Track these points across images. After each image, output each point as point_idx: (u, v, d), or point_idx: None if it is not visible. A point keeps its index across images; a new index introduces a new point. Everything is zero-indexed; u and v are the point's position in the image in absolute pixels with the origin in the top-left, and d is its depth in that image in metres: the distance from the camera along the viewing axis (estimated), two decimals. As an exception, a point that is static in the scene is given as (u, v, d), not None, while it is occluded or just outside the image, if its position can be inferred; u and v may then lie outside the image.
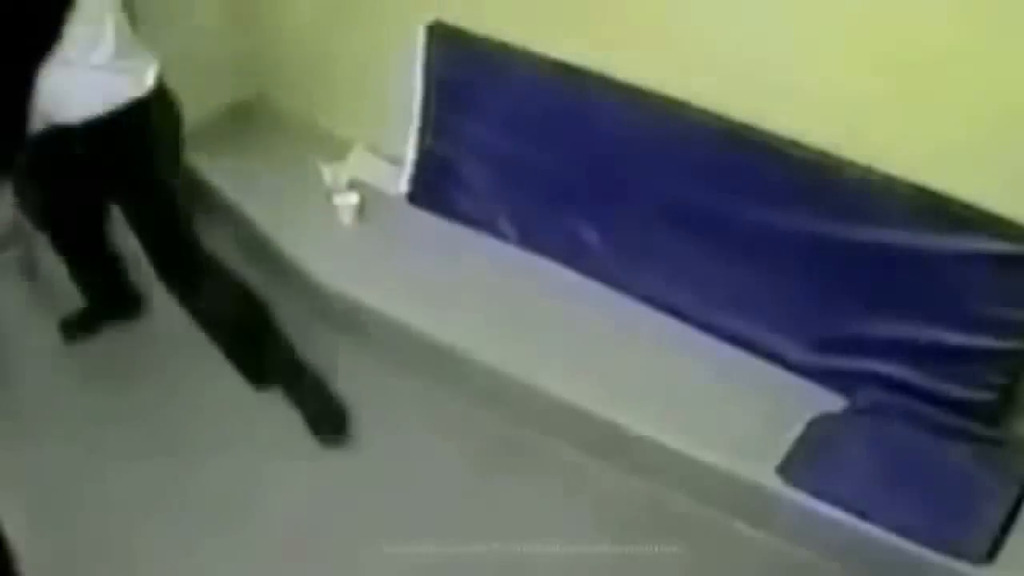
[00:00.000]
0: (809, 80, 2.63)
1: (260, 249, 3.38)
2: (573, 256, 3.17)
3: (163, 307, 2.98)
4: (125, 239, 2.87)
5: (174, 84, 3.54)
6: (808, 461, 2.64)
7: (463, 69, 3.19)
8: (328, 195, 3.40)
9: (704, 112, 2.80)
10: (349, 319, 3.18)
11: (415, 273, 3.18)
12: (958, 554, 2.46)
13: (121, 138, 2.49)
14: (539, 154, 3.15)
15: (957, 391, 2.68)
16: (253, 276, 3.29)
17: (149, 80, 2.52)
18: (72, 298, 3.17)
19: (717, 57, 2.73)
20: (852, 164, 2.64)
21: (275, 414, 2.97)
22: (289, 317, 3.19)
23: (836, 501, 2.57)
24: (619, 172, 3.03)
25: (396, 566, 2.57)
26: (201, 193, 3.56)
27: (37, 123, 2.26)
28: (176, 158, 2.69)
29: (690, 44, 2.76)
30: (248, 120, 3.76)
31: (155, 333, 3.23)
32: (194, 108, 3.59)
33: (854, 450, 2.66)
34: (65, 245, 2.97)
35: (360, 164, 3.51)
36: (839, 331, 2.80)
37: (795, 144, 2.70)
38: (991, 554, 2.46)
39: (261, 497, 2.79)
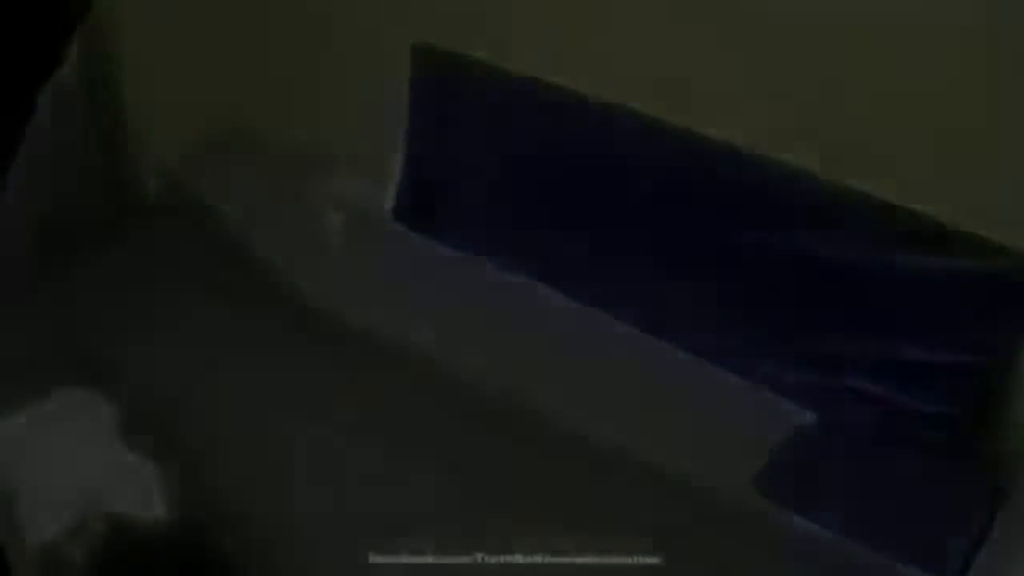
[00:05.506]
0: (784, 99, 2.69)
1: (244, 267, 3.41)
2: (555, 275, 3.21)
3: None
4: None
5: (165, 103, 3.60)
6: (783, 476, 2.69)
7: (449, 90, 3.24)
8: (313, 213, 3.43)
9: (687, 132, 2.86)
10: (335, 336, 3.20)
11: (401, 290, 3.22)
12: (930, 568, 2.50)
13: None
14: (524, 174, 3.20)
15: (930, 407, 2.73)
16: (237, 292, 3.34)
17: None
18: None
19: (700, 80, 2.79)
20: (822, 182, 2.70)
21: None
22: (274, 334, 3.22)
23: (811, 515, 2.61)
24: (603, 193, 3.09)
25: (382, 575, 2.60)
26: (188, 210, 3.61)
27: None
28: None
29: (673, 66, 2.82)
30: (235, 138, 3.80)
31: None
32: (182, 129, 3.66)
33: (828, 465, 2.71)
34: None
35: (346, 182, 3.54)
36: (813, 348, 2.85)
37: (767, 162, 2.76)
38: (963, 569, 2.50)
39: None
